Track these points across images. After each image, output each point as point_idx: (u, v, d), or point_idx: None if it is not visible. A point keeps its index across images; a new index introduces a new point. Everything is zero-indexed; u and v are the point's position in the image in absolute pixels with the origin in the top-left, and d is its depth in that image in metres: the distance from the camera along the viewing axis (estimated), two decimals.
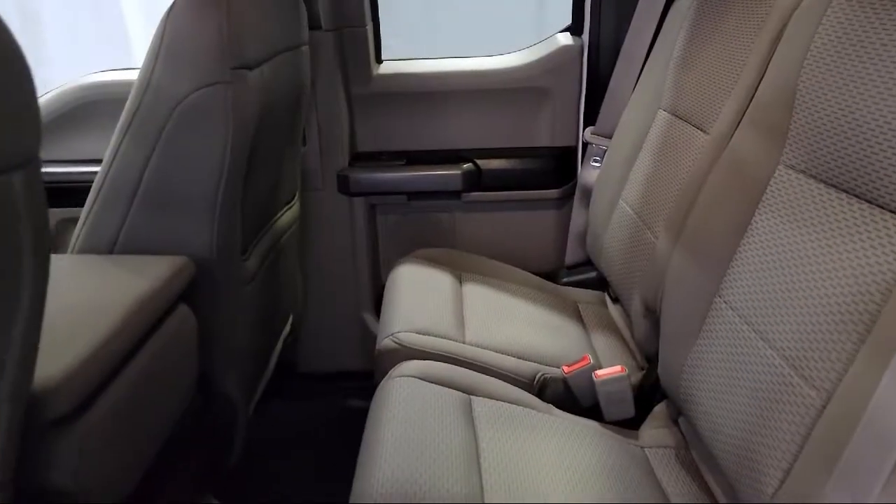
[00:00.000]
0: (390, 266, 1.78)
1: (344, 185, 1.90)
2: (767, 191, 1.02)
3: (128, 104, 1.12)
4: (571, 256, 1.94)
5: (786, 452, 0.82)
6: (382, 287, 1.91)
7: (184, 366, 1.10)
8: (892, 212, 0.79)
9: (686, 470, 1.13)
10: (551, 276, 1.89)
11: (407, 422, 1.08)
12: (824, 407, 0.78)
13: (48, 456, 0.75)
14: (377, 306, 2.03)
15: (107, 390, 0.84)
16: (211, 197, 1.15)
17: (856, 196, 0.85)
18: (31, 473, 0.72)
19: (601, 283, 1.80)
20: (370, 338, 2.02)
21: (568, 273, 1.92)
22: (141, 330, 0.95)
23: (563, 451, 1.12)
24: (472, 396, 1.21)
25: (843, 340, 0.79)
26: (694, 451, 1.16)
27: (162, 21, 1.10)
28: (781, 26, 1.11)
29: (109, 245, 1.15)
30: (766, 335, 0.92)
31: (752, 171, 1.07)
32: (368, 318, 2.03)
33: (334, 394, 1.96)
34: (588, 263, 1.88)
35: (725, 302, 1.04)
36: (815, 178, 0.93)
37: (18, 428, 0.67)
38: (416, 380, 1.20)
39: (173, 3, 1.10)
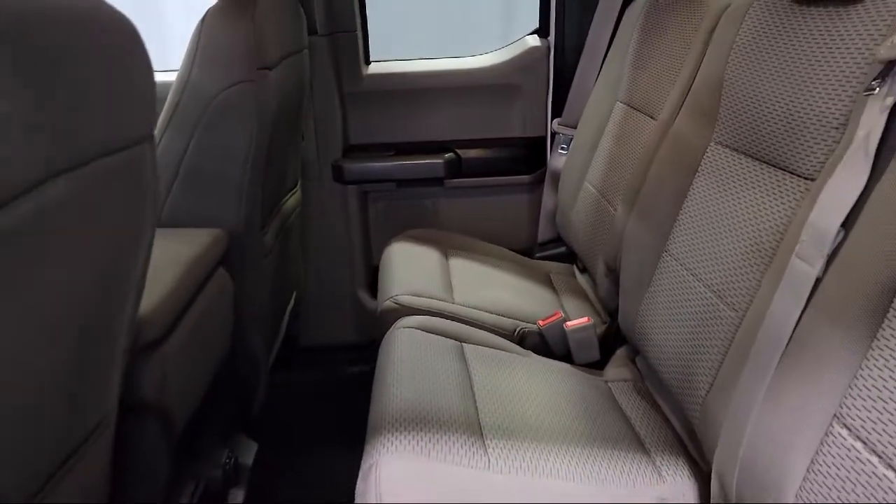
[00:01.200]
0: (382, 247, 1.99)
1: (338, 175, 2.10)
2: (702, 164, 1.26)
3: (168, 100, 1.32)
4: (543, 234, 2.16)
5: (714, 361, 1.06)
6: (374, 267, 2.12)
7: (225, 317, 1.29)
8: (788, 172, 1.03)
9: (642, 397, 1.37)
10: (526, 252, 2.12)
11: (411, 360, 1.30)
12: (740, 322, 1.02)
13: (141, 374, 0.94)
14: (370, 284, 2.25)
15: (178, 326, 1.04)
16: (238, 179, 1.35)
17: (764, 162, 1.09)
18: (126, 390, 0.91)
19: (570, 257, 2.03)
20: (365, 312, 2.23)
21: (540, 249, 2.15)
22: (197, 282, 1.14)
23: (542, 383, 1.35)
24: (463, 343, 1.43)
25: (752, 271, 1.03)
26: (648, 382, 1.40)
27: (197, 28, 1.30)
28: (712, 28, 1.36)
29: None
30: (698, 275, 1.16)
31: (689, 149, 1.30)
32: (363, 294, 2.24)
33: (335, 363, 2.16)
34: (558, 240, 2.11)
35: (670, 255, 1.28)
36: (736, 150, 1.17)
37: (126, 354, 0.87)
38: (416, 330, 1.42)
39: (206, 13, 1.30)
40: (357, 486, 1.00)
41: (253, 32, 1.30)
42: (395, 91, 2.12)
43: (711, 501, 1.01)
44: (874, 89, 0.83)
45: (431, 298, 1.59)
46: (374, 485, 0.95)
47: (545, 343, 1.55)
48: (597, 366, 1.52)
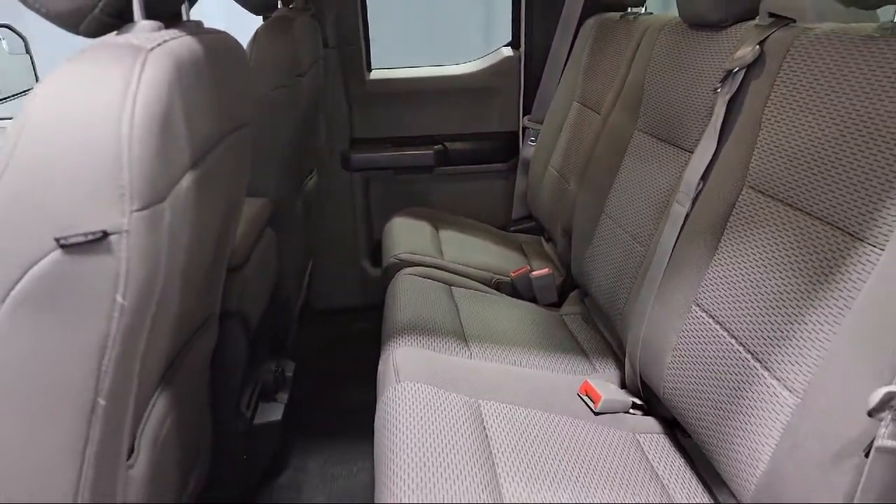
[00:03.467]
0: (382, 224, 2.40)
1: (345, 163, 2.52)
2: (628, 147, 1.69)
3: None
4: (516, 212, 2.59)
5: (629, 282, 1.49)
6: (375, 241, 2.53)
7: (273, 260, 1.69)
8: (678, 147, 1.46)
9: (587, 323, 1.79)
10: (502, 227, 2.54)
11: (412, 295, 1.72)
12: (646, 254, 1.45)
13: (229, 290, 1.34)
14: (372, 255, 2.66)
15: (249, 260, 1.45)
16: (280, 160, 1.76)
17: (666, 141, 1.52)
18: (221, 300, 1.31)
19: (538, 231, 2.45)
20: (368, 279, 2.65)
21: (514, 224, 2.57)
22: (258, 232, 1.54)
23: (511, 313, 1.77)
24: (452, 287, 1.86)
25: (655, 218, 1.46)
26: (593, 315, 1.83)
27: (249, 44, 1.70)
28: (637, 45, 1.79)
29: None
30: (623, 226, 1.60)
31: (620, 135, 1.74)
32: (365, 264, 2.66)
33: (344, 322, 2.57)
34: (528, 217, 2.53)
35: (606, 215, 1.71)
36: (650, 134, 1.61)
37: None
38: (415, 276, 1.85)
39: (257, 32, 1.70)
40: (379, 367, 1.42)
41: (292, 48, 1.72)
42: (392, 93, 2.54)
43: (626, 379, 1.45)
44: (718, 88, 1.27)
45: (426, 256, 2.02)
46: (391, 363, 1.37)
47: (515, 289, 1.98)
48: (555, 306, 1.95)
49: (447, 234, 2.27)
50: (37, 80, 2.46)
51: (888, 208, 0.86)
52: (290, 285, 1.86)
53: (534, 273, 1.96)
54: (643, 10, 1.97)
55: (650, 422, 1.35)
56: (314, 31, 2.08)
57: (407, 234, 2.19)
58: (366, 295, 2.63)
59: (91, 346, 0.68)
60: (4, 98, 2.40)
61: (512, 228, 2.55)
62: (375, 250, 2.58)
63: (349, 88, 2.49)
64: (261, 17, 1.96)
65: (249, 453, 1.50)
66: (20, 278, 0.64)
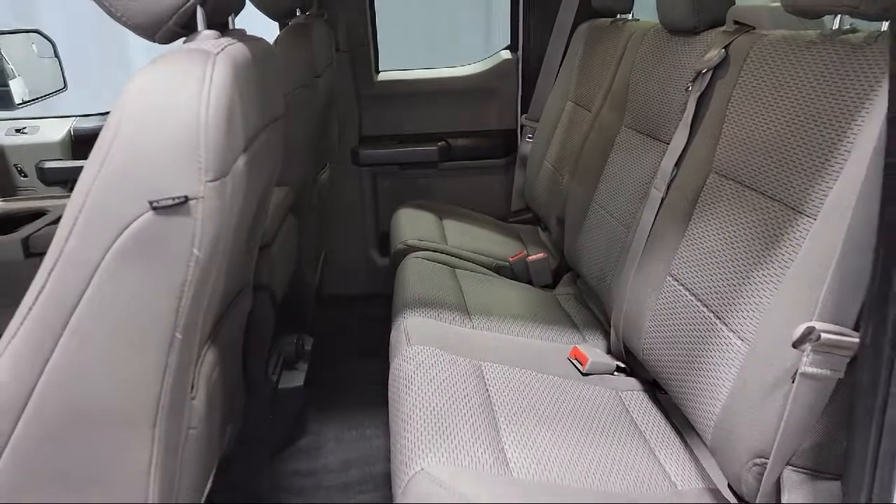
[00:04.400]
0: (389, 216, 2.58)
1: (355, 159, 2.69)
2: (615, 141, 1.87)
3: None
4: (515, 204, 2.76)
5: (616, 261, 1.67)
6: (383, 232, 2.70)
7: (294, 246, 1.86)
8: (659, 140, 1.63)
9: (577, 302, 1.97)
10: (501, 219, 2.72)
11: (419, 276, 1.90)
12: (628, 236, 1.62)
13: (259, 265, 1.51)
14: (379, 245, 2.84)
15: (276, 239, 1.62)
16: (301, 151, 1.93)
17: (647, 135, 1.70)
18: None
19: (535, 222, 2.63)
20: (376, 268, 2.82)
21: (512, 216, 2.75)
22: (282, 216, 1.72)
23: (509, 291, 1.95)
24: (455, 269, 2.03)
25: (638, 201, 1.63)
26: (584, 295, 2.00)
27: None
28: (624, 49, 1.97)
29: None
30: (611, 212, 1.77)
31: (609, 131, 1.91)
32: (374, 253, 2.83)
33: (354, 307, 2.74)
34: (526, 209, 2.71)
35: (596, 203, 1.88)
36: (634, 129, 1.78)
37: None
38: (422, 259, 2.02)
39: (279, 36, 1.88)
40: (391, 335, 1.60)
41: (312, 52, 1.89)
42: (399, 93, 2.72)
43: (611, 346, 1.62)
44: (689, 87, 1.45)
45: (431, 242, 2.19)
46: (403, 330, 1.54)
47: (513, 272, 2.16)
48: (550, 289, 2.13)
49: (450, 224, 2.44)
50: (64, 82, 2.65)
51: (820, 186, 1.04)
52: (308, 267, 2.03)
53: (530, 257, 2.13)
54: (630, 16, 2.15)
55: (631, 382, 1.52)
56: (328, 36, 2.26)
57: (413, 224, 2.37)
58: (374, 283, 2.80)
59: (172, 289, 0.85)
60: (36, 99, 2.58)
61: (511, 220, 2.72)
62: (383, 240, 2.76)
63: (359, 89, 2.67)
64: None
65: (275, 414, 1.68)
66: (120, 234, 0.81)
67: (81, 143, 2.55)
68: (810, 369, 0.90)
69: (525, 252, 2.19)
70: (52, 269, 0.82)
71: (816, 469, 0.95)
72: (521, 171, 2.70)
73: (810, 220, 1.05)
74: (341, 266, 2.79)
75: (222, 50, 0.89)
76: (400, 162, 2.73)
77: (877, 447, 0.77)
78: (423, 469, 1.08)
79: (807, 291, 0.97)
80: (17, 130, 2.55)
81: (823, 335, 0.87)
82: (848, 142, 1.01)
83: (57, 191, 2.51)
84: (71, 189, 2.50)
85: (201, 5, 0.94)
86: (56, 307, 0.82)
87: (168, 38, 0.95)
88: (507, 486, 1.09)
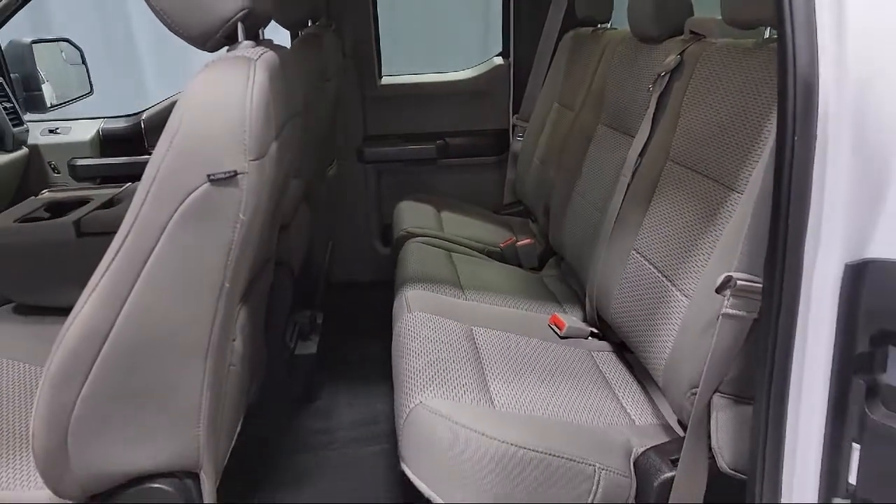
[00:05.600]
0: (391, 209, 2.80)
1: (360, 156, 2.92)
2: (593, 137, 2.10)
3: None
4: (507, 198, 2.99)
5: (592, 240, 1.89)
6: (385, 224, 2.93)
7: (307, 230, 2.09)
8: (627, 135, 1.86)
9: (563, 283, 2.19)
10: (494, 212, 2.95)
11: (419, 258, 2.12)
12: (602, 216, 1.85)
13: (280, 243, 1.73)
14: (382, 236, 3.06)
15: (292, 223, 1.84)
16: (313, 147, 2.16)
17: (619, 131, 1.93)
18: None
19: (525, 214, 2.86)
20: (379, 258, 3.05)
21: (505, 209, 2.98)
22: (296, 204, 1.94)
23: (499, 272, 2.18)
24: (451, 253, 2.26)
25: (611, 188, 1.86)
26: (567, 276, 2.23)
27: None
28: (601, 55, 2.20)
29: None
30: (590, 200, 2.00)
31: (588, 128, 2.14)
32: (377, 244, 3.06)
33: (358, 293, 2.96)
34: (517, 203, 2.93)
35: (576, 192, 2.11)
36: (609, 126, 2.01)
37: None
38: (421, 244, 2.25)
39: (292, 46, 2.11)
40: (394, 305, 1.82)
41: (322, 57, 2.13)
42: (400, 96, 2.95)
43: (587, 316, 1.85)
44: (651, 88, 1.68)
45: (429, 229, 2.42)
46: (404, 300, 1.77)
47: (503, 257, 2.38)
48: (536, 272, 2.36)
49: (447, 215, 2.67)
50: (91, 88, 2.88)
51: (747, 168, 1.27)
52: (318, 250, 2.26)
53: (519, 243, 2.36)
54: (609, 25, 2.38)
55: (603, 344, 1.75)
56: (336, 44, 2.49)
57: (413, 214, 2.60)
58: (377, 271, 3.03)
59: (223, 245, 1.08)
60: (65, 102, 2.81)
61: (503, 212, 2.95)
62: (385, 231, 2.98)
63: (364, 92, 2.90)
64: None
65: (291, 376, 1.90)
66: (183, 200, 1.04)
67: (108, 143, 2.77)
68: (730, 311, 1.12)
69: (514, 239, 2.42)
70: (129, 229, 1.04)
71: (738, 395, 1.18)
72: (512, 167, 2.93)
73: (739, 195, 1.28)
74: (347, 255, 3.02)
75: (260, 57, 1.12)
76: (401, 159, 2.96)
77: (771, 371, 0.99)
78: (421, 402, 1.30)
79: (732, 251, 1.20)
80: (51, 131, 2.78)
81: (739, 282, 1.10)
82: (766, 132, 1.24)
83: (87, 185, 2.74)
84: (100, 182, 2.74)
85: (242, 21, 1.17)
86: (132, 259, 1.05)
87: (215, 47, 1.18)
88: (490, 415, 1.31)
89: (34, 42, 2.72)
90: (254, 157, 1.06)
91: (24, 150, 2.63)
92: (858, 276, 0.86)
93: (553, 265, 2.32)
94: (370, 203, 3.01)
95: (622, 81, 1.96)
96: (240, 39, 1.18)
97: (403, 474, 1.31)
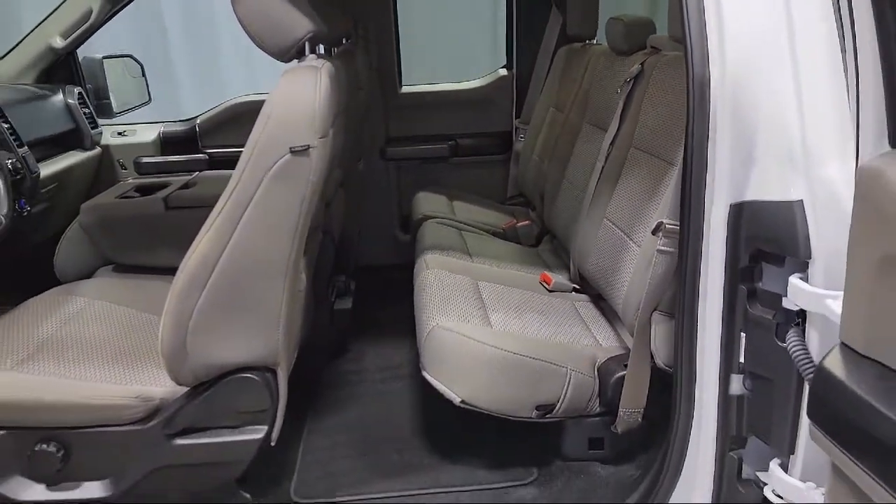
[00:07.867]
0: (410, 200, 3.24)
1: (382, 155, 3.37)
2: (579, 134, 2.54)
3: None
4: (510, 191, 3.42)
5: (574, 216, 2.32)
6: (405, 214, 3.36)
7: (343, 209, 2.52)
8: (600, 128, 2.29)
9: (555, 255, 2.62)
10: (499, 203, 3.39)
11: (435, 235, 2.56)
12: (583, 196, 2.28)
13: (326, 216, 2.17)
14: (402, 225, 3.50)
15: (333, 200, 2.28)
16: (349, 142, 2.60)
17: (596, 127, 2.36)
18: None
19: (526, 206, 3.29)
20: (399, 244, 3.48)
21: (508, 201, 3.41)
22: (336, 185, 2.39)
23: (505, 247, 2.62)
24: (462, 231, 2.70)
25: (590, 172, 2.29)
26: (558, 249, 2.65)
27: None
28: (587, 65, 2.64)
29: None
30: (575, 184, 2.43)
31: (575, 127, 2.58)
32: (397, 232, 3.50)
33: (381, 275, 3.39)
34: (519, 196, 3.36)
35: (566, 179, 2.55)
36: (590, 123, 2.45)
37: None
38: (436, 224, 2.69)
39: (332, 57, 2.55)
40: (415, 267, 2.26)
41: (355, 69, 2.58)
42: (418, 103, 3.40)
43: (571, 275, 2.28)
44: (619, 91, 2.12)
45: (443, 214, 2.86)
46: (423, 261, 2.21)
47: (506, 237, 2.82)
48: (533, 248, 2.79)
49: (458, 204, 3.11)
50: (149, 96, 3.34)
51: (678, 145, 1.70)
52: (351, 228, 2.71)
53: (519, 224, 2.80)
54: (595, 41, 2.83)
55: (582, 297, 2.18)
56: (366, 58, 2.95)
57: (429, 203, 3.04)
58: (399, 255, 3.45)
59: (298, 199, 1.51)
60: (128, 109, 3.26)
61: (507, 204, 3.38)
62: (405, 220, 3.42)
63: (386, 99, 3.35)
64: None
65: (333, 325, 2.34)
66: (272, 166, 1.47)
67: (168, 143, 3.23)
68: (662, 248, 1.55)
69: (516, 221, 2.86)
70: (234, 187, 1.49)
71: (670, 311, 1.61)
72: (515, 164, 3.36)
73: (674, 167, 1.71)
74: (371, 242, 3.45)
75: (322, 66, 1.57)
76: (418, 157, 3.39)
77: (683, 291, 1.39)
78: (437, 324, 1.74)
79: (666, 204, 1.63)
80: (119, 133, 3.24)
81: (667, 225, 1.53)
82: None
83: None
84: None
85: (309, 41, 1.62)
86: (236, 206, 1.49)
87: (290, 59, 1.63)
88: (490, 332, 1.75)
89: (105, 58, 3.18)
90: (321, 136, 1.50)
91: (98, 150, 3.08)
92: (739, 213, 1.25)
93: (547, 241, 2.76)
94: (391, 195, 3.45)
95: (601, 86, 2.40)
96: (306, 53, 1.63)
97: (426, 382, 1.73)
